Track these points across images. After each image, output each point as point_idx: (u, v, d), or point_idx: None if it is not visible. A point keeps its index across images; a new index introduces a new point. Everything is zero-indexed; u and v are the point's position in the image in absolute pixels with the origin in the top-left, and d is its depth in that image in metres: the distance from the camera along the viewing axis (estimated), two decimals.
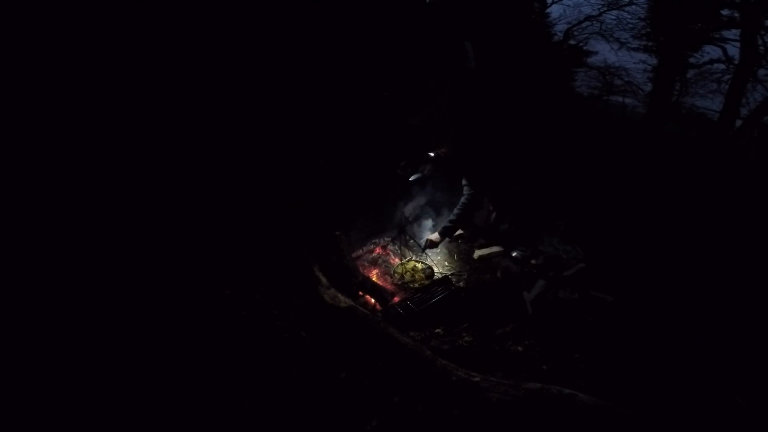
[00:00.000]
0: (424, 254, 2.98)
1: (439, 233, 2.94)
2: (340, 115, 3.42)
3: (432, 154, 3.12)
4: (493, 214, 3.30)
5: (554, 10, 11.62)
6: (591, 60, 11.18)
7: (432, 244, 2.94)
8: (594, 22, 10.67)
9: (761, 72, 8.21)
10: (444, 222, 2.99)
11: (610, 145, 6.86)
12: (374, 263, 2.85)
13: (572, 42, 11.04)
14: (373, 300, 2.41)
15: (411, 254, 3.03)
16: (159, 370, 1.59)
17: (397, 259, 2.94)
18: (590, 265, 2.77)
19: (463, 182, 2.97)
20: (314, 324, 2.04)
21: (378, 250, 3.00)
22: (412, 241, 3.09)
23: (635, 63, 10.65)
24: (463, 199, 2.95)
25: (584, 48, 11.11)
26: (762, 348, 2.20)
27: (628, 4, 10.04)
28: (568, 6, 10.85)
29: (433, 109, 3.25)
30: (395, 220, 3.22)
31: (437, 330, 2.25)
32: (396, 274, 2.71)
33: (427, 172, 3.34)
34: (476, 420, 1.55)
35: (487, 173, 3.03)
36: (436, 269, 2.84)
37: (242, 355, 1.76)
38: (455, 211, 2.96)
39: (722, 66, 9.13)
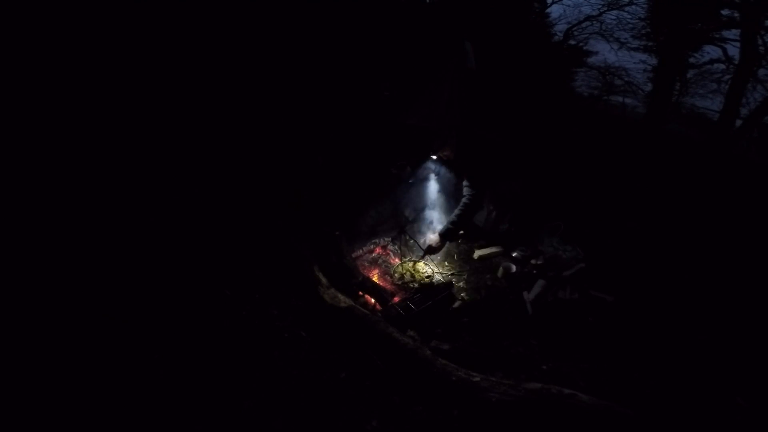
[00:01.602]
0: (426, 259, 2.91)
1: (440, 236, 2.84)
2: (340, 115, 3.42)
3: (434, 157, 3.09)
4: (493, 214, 3.30)
5: (554, 10, 11.61)
6: (591, 60, 11.17)
7: (433, 250, 2.83)
8: (594, 22, 10.66)
9: (761, 72, 8.21)
10: (445, 224, 2.91)
11: (610, 145, 6.86)
12: (374, 263, 2.85)
13: (572, 42, 11.03)
14: (373, 300, 2.41)
15: (411, 254, 3.03)
16: (159, 370, 1.59)
17: (397, 259, 2.93)
18: (590, 265, 2.77)
19: (464, 183, 2.90)
20: (314, 324, 2.04)
21: (378, 250, 3.00)
22: (412, 241, 3.09)
23: (635, 63, 10.65)
24: (464, 200, 2.87)
25: (584, 48, 11.10)
26: (762, 348, 2.19)
27: (628, 4, 10.03)
28: (568, 6, 10.84)
29: (433, 109, 3.25)
30: (395, 220, 3.22)
31: (437, 330, 2.26)
32: (396, 274, 2.71)
33: (427, 173, 3.33)
34: (476, 420, 1.55)
35: (488, 173, 2.98)
36: (436, 270, 2.84)
37: (242, 355, 1.76)
38: (456, 212, 2.87)
39: (722, 66, 9.12)
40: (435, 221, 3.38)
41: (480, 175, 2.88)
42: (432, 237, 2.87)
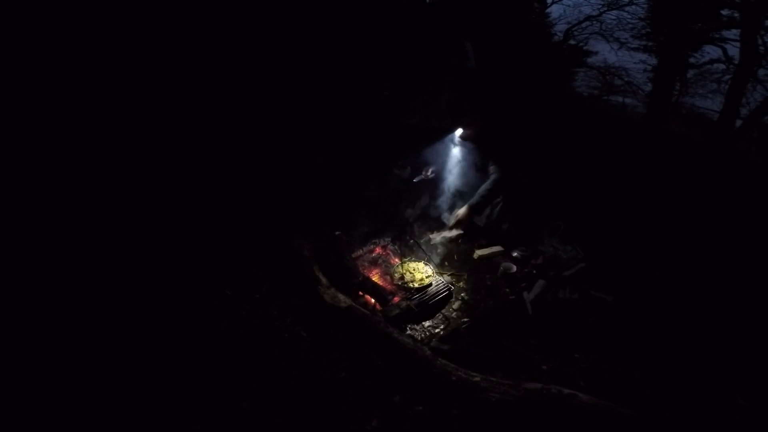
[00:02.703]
0: (451, 232, 2.82)
1: (469, 207, 2.73)
2: (340, 115, 3.42)
3: (458, 137, 3.08)
4: (497, 208, 3.28)
5: (554, 10, 11.61)
6: (591, 60, 11.20)
7: (459, 223, 2.73)
8: (594, 22, 10.68)
9: (761, 72, 8.21)
10: (474, 197, 2.82)
11: (610, 145, 6.86)
12: (374, 263, 2.85)
13: (572, 42, 11.05)
14: (373, 300, 2.41)
15: (411, 254, 3.02)
16: (159, 370, 1.59)
17: (397, 259, 2.93)
18: (590, 265, 2.77)
19: (490, 166, 2.87)
20: (314, 324, 2.04)
21: (378, 250, 2.99)
22: (412, 241, 3.09)
23: (635, 63, 10.67)
24: (494, 177, 2.81)
25: (584, 48, 11.12)
26: (762, 348, 2.20)
27: (628, 4, 10.05)
28: (568, 6, 10.85)
29: (433, 109, 3.26)
30: (395, 220, 3.22)
31: (437, 330, 2.26)
32: (396, 274, 2.71)
33: (430, 173, 3.32)
34: (476, 420, 1.55)
35: (506, 161, 2.97)
36: (436, 270, 2.83)
37: (242, 355, 1.76)
38: (486, 186, 2.78)
39: (722, 66, 9.13)
40: (439, 221, 3.37)
41: (504, 160, 2.85)
42: (460, 211, 2.80)
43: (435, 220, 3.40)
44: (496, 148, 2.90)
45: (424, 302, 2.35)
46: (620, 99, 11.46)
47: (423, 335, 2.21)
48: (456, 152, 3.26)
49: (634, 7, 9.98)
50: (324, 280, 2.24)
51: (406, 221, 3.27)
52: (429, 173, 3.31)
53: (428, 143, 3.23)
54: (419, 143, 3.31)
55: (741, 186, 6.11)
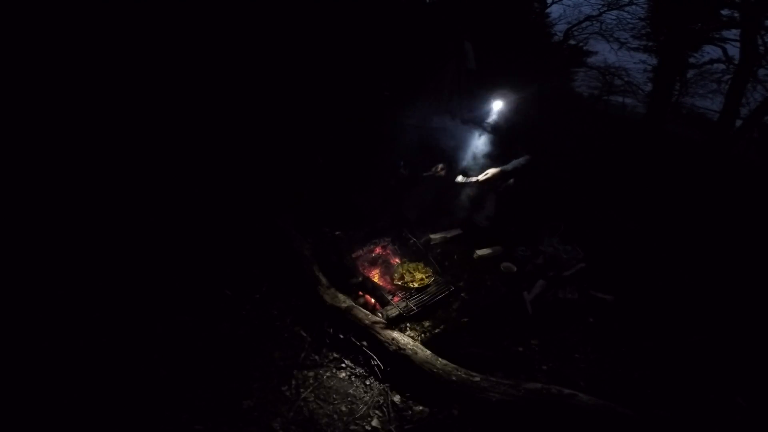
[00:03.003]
0: (444, 234, 2.82)
1: (501, 171, 2.78)
2: (340, 115, 3.43)
3: (500, 103, 3.12)
4: (495, 200, 3.26)
5: (554, 10, 11.62)
6: (591, 60, 11.18)
7: (486, 182, 2.80)
8: (594, 22, 10.66)
9: (761, 72, 8.19)
10: (511, 163, 2.86)
11: (610, 145, 6.86)
12: (374, 263, 2.85)
13: (572, 42, 11.04)
14: (373, 300, 2.41)
15: (411, 254, 3.02)
16: (159, 370, 1.60)
17: (397, 259, 2.93)
18: (590, 265, 2.77)
19: (520, 152, 2.95)
20: (314, 324, 2.04)
21: (378, 250, 2.99)
22: (412, 241, 3.09)
23: (635, 63, 10.66)
24: (527, 156, 2.88)
25: (584, 48, 11.11)
26: (762, 348, 2.20)
27: (628, 4, 10.04)
28: (568, 6, 10.84)
29: (433, 109, 3.25)
30: (395, 220, 3.21)
31: (437, 330, 2.26)
32: (396, 274, 2.71)
33: (440, 171, 3.31)
34: (476, 420, 1.55)
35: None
36: (435, 269, 2.83)
37: (242, 355, 1.76)
38: (520, 160, 2.83)
39: (722, 66, 9.12)
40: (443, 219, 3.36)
41: (533, 148, 2.91)
42: (491, 170, 2.83)
43: (436, 220, 3.40)
44: (525, 136, 2.93)
45: (423, 302, 2.35)
46: (620, 99, 11.45)
47: (423, 335, 2.22)
48: (473, 140, 3.24)
49: (634, 7, 9.98)
50: (324, 280, 2.24)
51: (406, 221, 3.27)
52: (439, 169, 3.30)
53: (432, 141, 3.21)
54: (420, 143, 3.30)
55: (741, 186, 6.11)
